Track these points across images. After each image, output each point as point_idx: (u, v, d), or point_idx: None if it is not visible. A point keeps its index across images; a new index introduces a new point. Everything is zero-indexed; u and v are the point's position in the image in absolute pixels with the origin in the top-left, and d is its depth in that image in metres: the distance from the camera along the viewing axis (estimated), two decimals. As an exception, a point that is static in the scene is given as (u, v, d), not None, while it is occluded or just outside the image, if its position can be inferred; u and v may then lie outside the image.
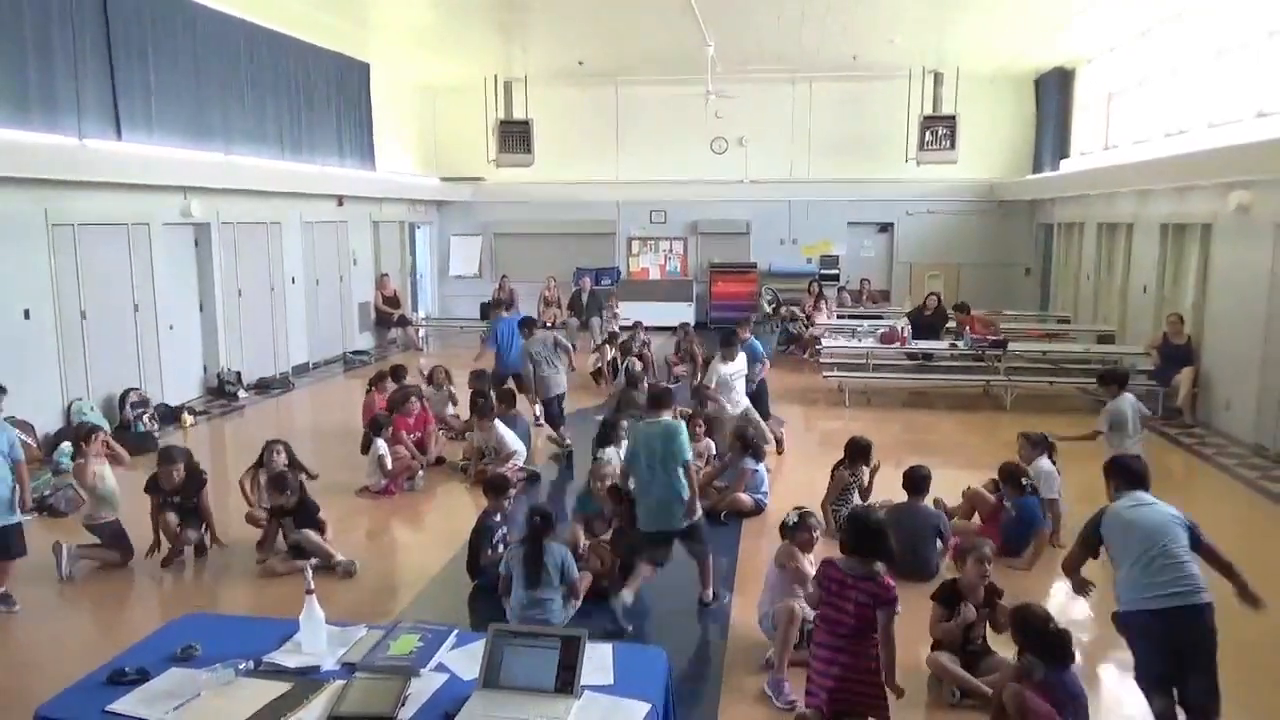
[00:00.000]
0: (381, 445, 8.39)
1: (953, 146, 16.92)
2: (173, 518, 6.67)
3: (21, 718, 3.31)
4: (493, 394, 9.38)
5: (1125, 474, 4.52)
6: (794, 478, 8.05)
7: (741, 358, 9.03)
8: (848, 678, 4.20)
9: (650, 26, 14.24)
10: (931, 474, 6.67)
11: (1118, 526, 4.30)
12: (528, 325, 10.31)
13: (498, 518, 6.33)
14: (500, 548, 6.11)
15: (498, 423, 8.71)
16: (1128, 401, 7.65)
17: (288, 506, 6.66)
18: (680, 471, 5.74)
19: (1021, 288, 18.51)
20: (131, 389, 10.43)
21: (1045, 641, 4.17)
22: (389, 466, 8.32)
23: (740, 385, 8.98)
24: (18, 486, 5.97)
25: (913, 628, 5.10)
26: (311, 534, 6.56)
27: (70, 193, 9.67)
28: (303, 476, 7.10)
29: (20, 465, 6.05)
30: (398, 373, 10.19)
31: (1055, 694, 4.07)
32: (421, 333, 17.56)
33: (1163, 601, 4.05)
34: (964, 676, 4.73)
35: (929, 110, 17.19)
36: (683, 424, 6.08)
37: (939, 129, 16.97)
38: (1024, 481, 6.80)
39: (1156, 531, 4.18)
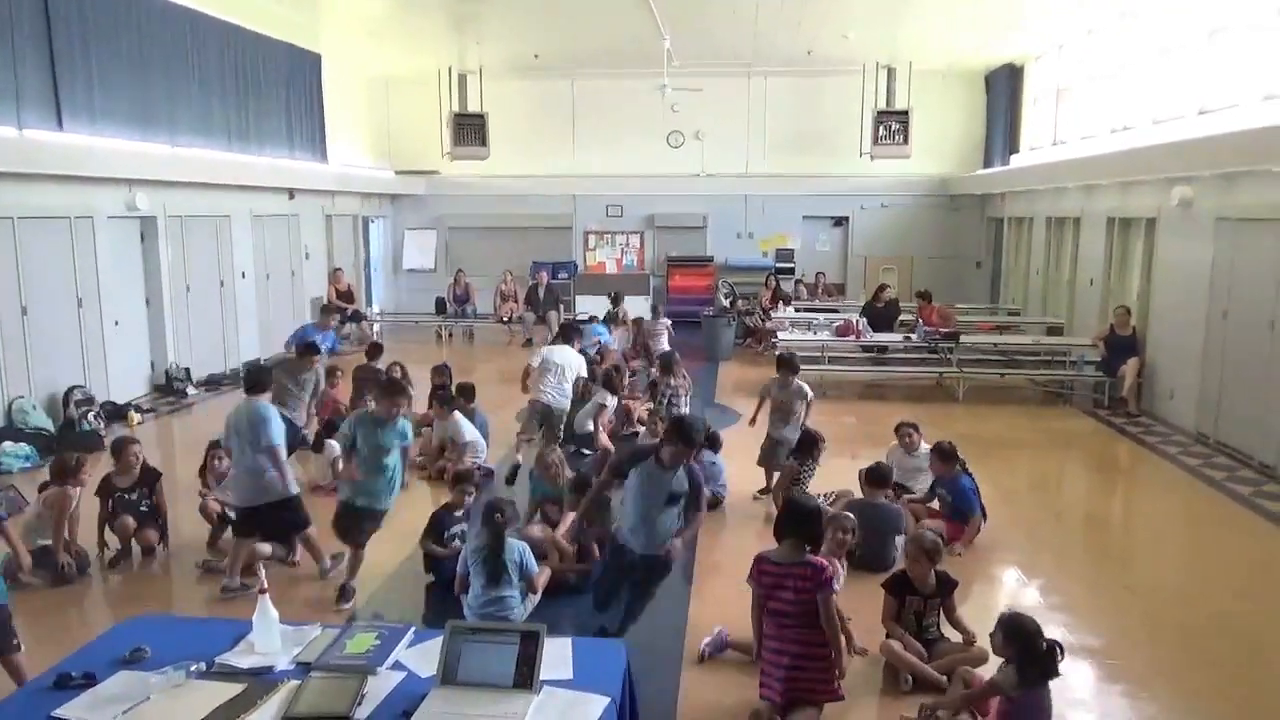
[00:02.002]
0: (335, 447, 8.27)
1: (906, 141, 17.15)
2: (130, 521, 6.53)
3: (-38, 726, 3.21)
4: (452, 387, 9.38)
5: None
6: (751, 470, 8.10)
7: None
8: (798, 666, 4.24)
9: (606, 20, 14.21)
10: (893, 471, 6.80)
11: None
12: (305, 350, 8.86)
13: (459, 513, 6.27)
14: (456, 541, 6.07)
15: (456, 414, 8.69)
16: None
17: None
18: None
19: (973, 281, 18.81)
20: (76, 386, 10.17)
21: (1034, 656, 3.94)
22: (339, 469, 8.19)
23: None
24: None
25: (868, 617, 5.18)
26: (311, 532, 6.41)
27: (9, 185, 9.38)
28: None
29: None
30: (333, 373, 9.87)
31: (1022, 710, 3.98)
32: (376, 328, 17.36)
33: None
34: (917, 665, 4.80)
35: (882, 105, 17.38)
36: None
37: (892, 124, 17.18)
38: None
39: None
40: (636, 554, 5.06)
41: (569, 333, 9.99)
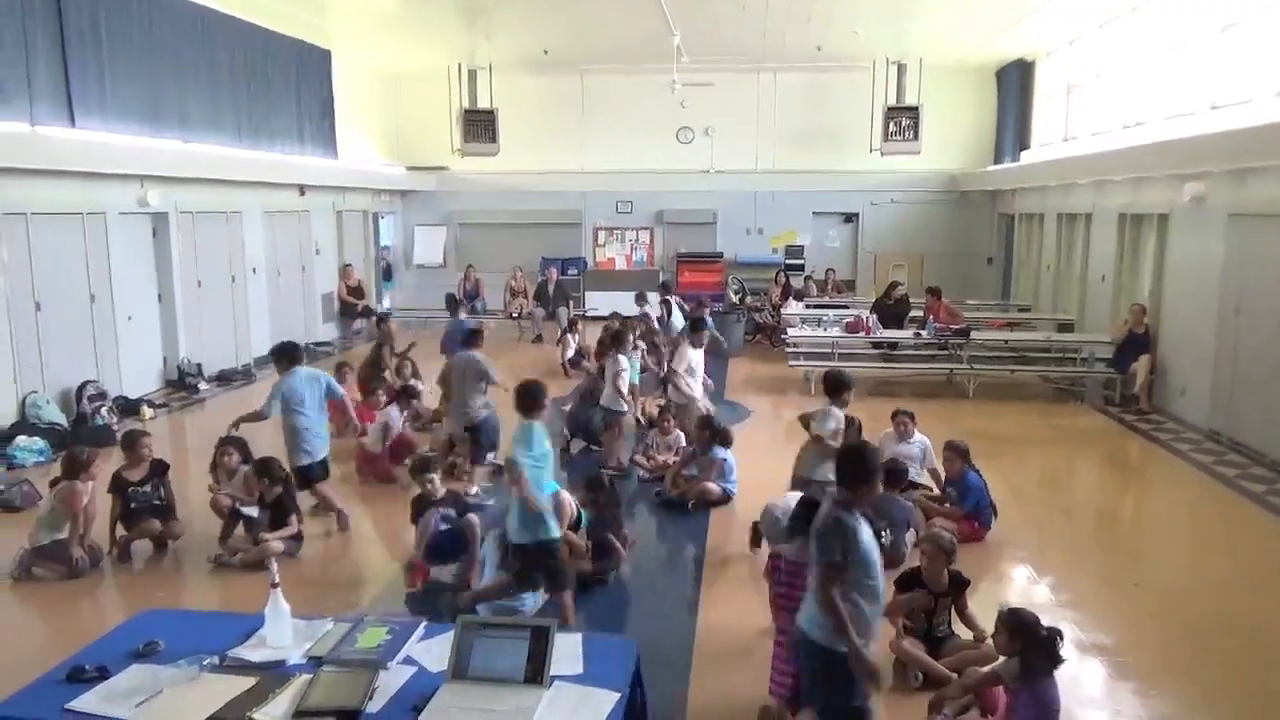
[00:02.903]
0: (394, 413, 8.55)
1: (916, 137, 17.06)
2: (156, 524, 6.59)
3: (-22, 718, 3.24)
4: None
5: None
6: (762, 466, 8.09)
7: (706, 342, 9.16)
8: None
9: (615, 16, 14.19)
10: (908, 469, 6.80)
11: None
12: (470, 340, 8.57)
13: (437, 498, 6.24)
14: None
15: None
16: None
17: (268, 498, 6.56)
18: None
19: (983, 277, 18.74)
20: (89, 381, 10.23)
21: (1037, 646, 3.98)
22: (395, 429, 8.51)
23: (701, 371, 9.07)
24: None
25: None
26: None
27: (22, 181, 9.43)
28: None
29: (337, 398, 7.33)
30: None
31: (1028, 702, 3.99)
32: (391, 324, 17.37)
33: None
34: (927, 661, 4.80)
35: (892, 101, 17.31)
36: None
37: (902, 120, 17.09)
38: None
39: None
40: None
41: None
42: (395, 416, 8.68)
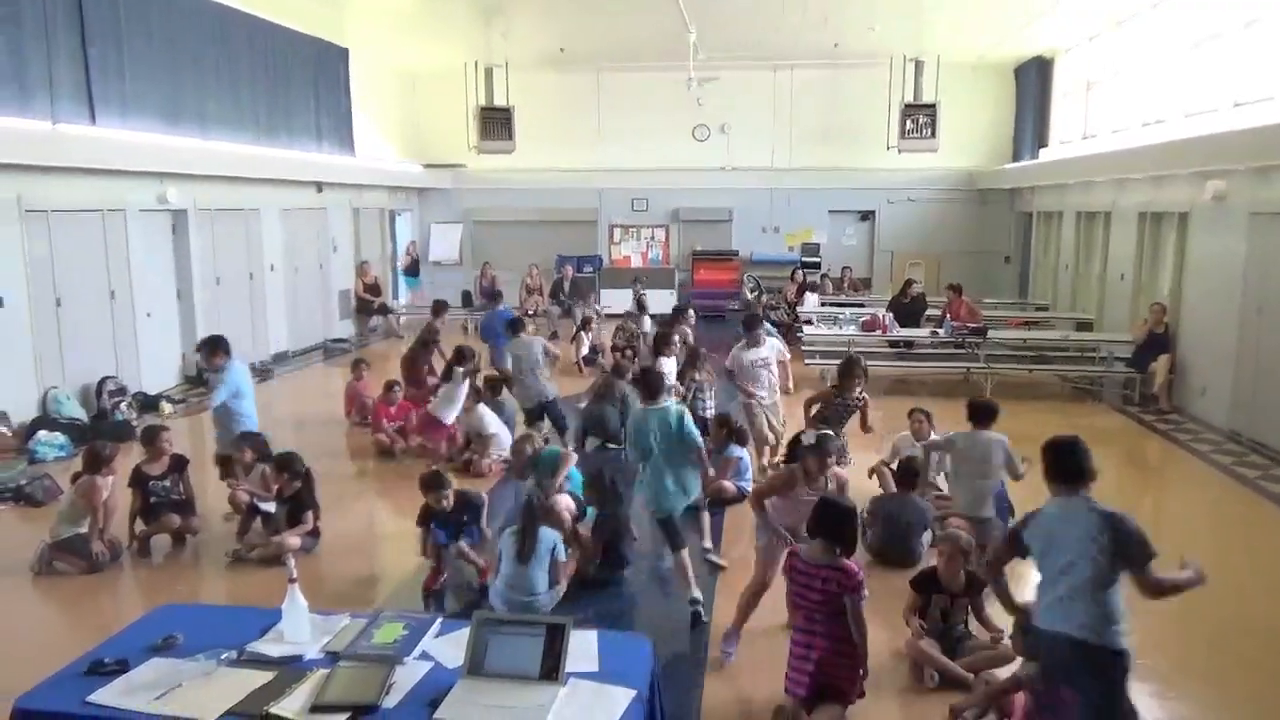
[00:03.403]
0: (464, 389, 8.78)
1: (933, 135, 16.94)
2: (175, 518, 6.65)
3: (0, 711, 3.27)
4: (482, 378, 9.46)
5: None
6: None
7: (770, 343, 8.58)
8: (826, 660, 4.23)
9: (632, 13, 14.18)
10: (925, 469, 6.77)
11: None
12: (515, 326, 9.45)
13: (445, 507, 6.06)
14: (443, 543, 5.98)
15: (481, 406, 8.73)
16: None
17: (287, 493, 6.60)
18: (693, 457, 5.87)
19: (1001, 276, 18.64)
20: (108, 377, 10.32)
21: None
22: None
23: (765, 374, 8.38)
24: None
25: (895, 614, 5.16)
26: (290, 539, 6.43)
27: (43, 178, 9.52)
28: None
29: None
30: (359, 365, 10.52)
31: (1052, 704, 3.94)
32: (402, 320, 17.47)
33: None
34: (943, 662, 4.78)
35: (910, 98, 17.20)
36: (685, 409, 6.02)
37: (920, 117, 16.97)
38: None
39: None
40: None
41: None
42: (463, 392, 8.81)
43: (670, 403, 6.03)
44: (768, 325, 9.59)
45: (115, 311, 10.79)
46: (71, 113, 9.67)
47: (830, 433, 5.22)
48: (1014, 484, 7.12)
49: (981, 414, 6.31)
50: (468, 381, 8.84)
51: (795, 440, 6.06)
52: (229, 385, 7.23)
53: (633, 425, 5.97)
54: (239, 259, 13.26)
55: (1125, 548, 3.60)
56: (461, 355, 8.91)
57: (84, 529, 6.32)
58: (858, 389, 7.12)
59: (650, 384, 5.99)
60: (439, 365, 10.09)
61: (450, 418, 8.79)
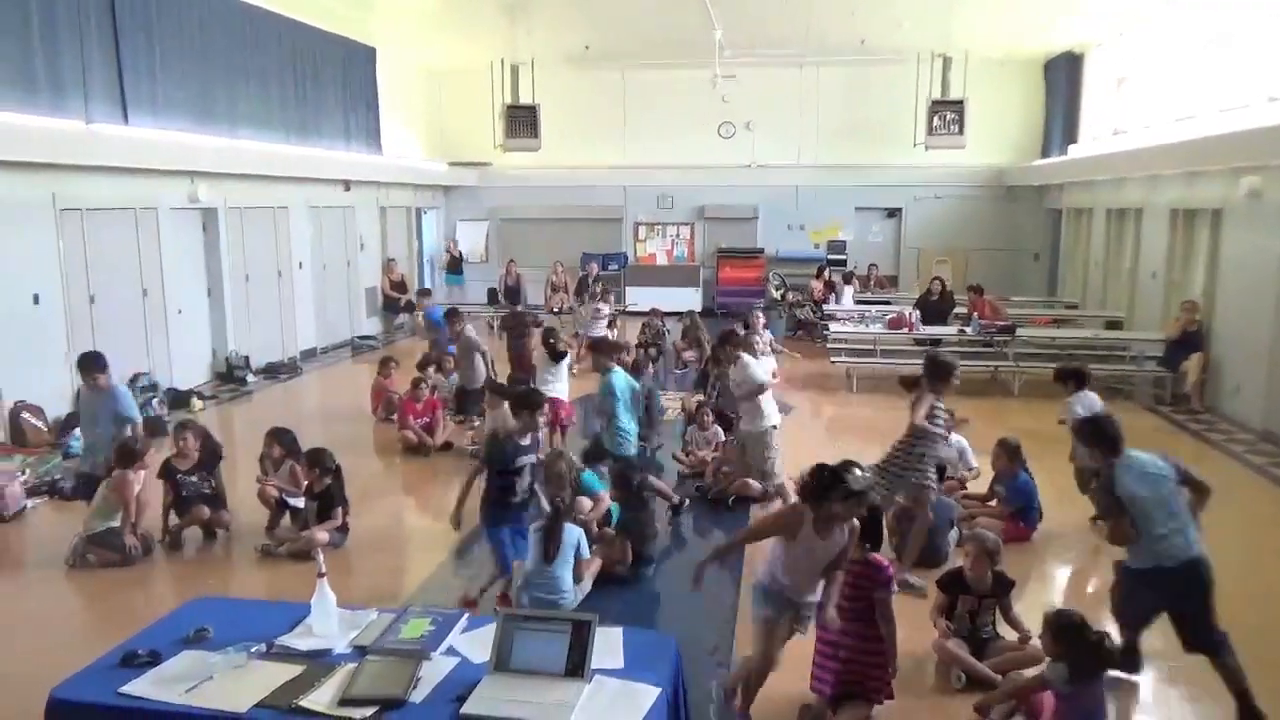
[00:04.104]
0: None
1: (961, 131, 16.79)
2: (204, 510, 6.73)
3: (36, 700, 3.33)
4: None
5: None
6: (801, 462, 8.03)
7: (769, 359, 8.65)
8: (854, 660, 4.21)
9: (657, 10, 14.17)
10: (946, 467, 6.72)
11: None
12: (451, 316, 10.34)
13: (525, 441, 5.80)
14: (524, 473, 5.73)
15: (506, 405, 8.73)
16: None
17: (316, 489, 6.66)
18: None
19: (1030, 273, 18.45)
20: (140, 373, 10.46)
21: (1083, 648, 3.94)
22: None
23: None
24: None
25: (921, 614, 5.12)
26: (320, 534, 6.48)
27: (78, 177, 9.67)
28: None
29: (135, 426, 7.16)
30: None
31: (1076, 706, 3.96)
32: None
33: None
34: (970, 662, 4.74)
35: (937, 95, 17.06)
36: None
37: (947, 114, 16.83)
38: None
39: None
40: None
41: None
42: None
43: None
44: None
45: (147, 309, 10.93)
46: (105, 113, 9.82)
47: (867, 477, 4.03)
48: (1042, 481, 7.08)
49: None
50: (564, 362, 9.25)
51: (828, 472, 4.70)
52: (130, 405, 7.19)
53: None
54: (268, 256, 13.39)
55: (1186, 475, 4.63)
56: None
57: (116, 523, 6.42)
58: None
59: None
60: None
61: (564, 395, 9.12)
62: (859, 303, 15.94)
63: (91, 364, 7.13)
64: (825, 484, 3.87)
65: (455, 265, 19.27)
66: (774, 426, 7.19)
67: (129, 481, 6.47)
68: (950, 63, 17.00)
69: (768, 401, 7.24)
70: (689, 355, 12.77)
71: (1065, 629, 4.00)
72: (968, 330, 12.82)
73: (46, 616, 5.73)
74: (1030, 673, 4.46)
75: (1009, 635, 4.96)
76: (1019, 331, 12.49)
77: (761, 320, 11.84)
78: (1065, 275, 17.17)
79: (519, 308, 14.57)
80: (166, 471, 6.82)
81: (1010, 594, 4.98)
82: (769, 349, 11.49)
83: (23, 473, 7.78)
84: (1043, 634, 4.07)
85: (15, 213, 9.02)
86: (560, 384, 8.98)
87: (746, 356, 7.37)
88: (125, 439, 6.94)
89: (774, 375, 8.20)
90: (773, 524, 4.37)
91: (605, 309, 13.54)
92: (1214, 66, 11.69)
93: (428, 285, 18.29)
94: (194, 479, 6.81)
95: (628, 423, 7.12)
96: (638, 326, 13.78)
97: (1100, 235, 15.07)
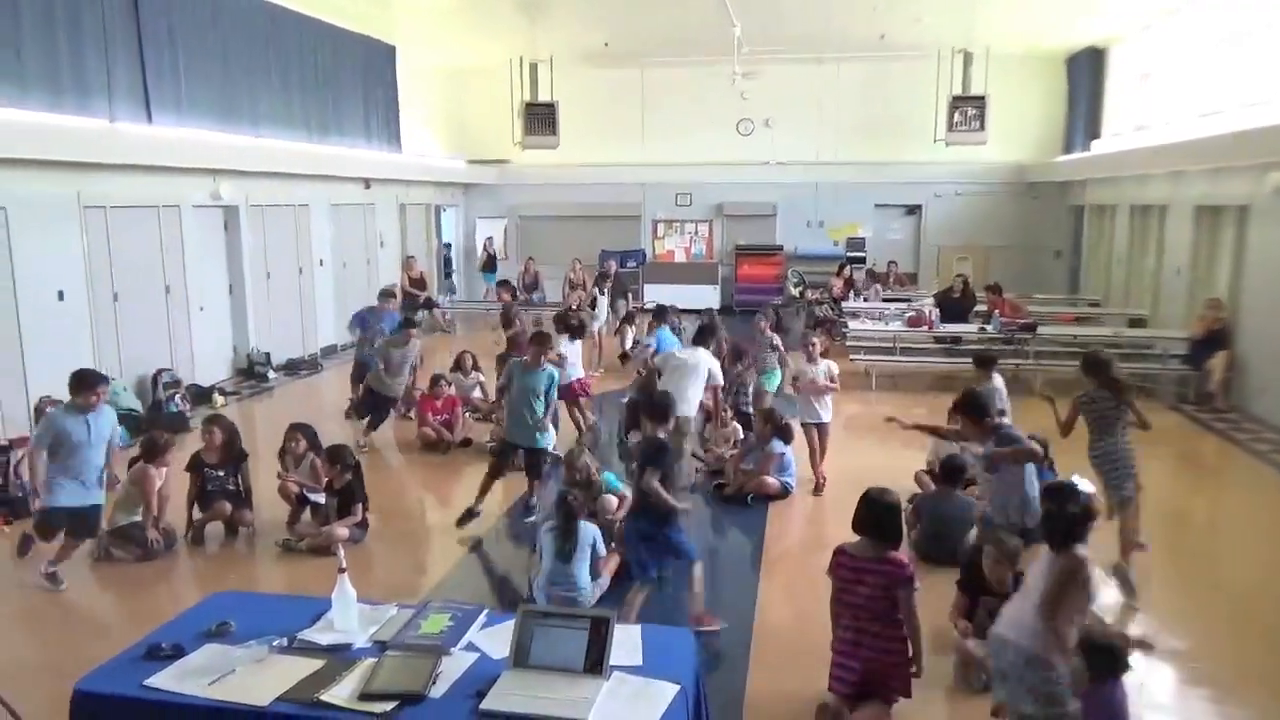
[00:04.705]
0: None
1: (982, 127, 16.65)
2: (226, 506, 6.77)
3: (62, 692, 3.37)
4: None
5: None
6: (831, 456, 8.02)
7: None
8: (875, 660, 4.20)
9: (676, 7, 14.14)
10: (966, 465, 6.66)
11: None
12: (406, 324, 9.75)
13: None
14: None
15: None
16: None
17: (337, 485, 6.70)
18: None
19: (1051, 271, 18.30)
20: (163, 370, 10.55)
21: (1098, 650, 3.88)
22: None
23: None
24: (106, 469, 6.10)
25: (941, 613, 5.09)
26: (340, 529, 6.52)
27: (102, 175, 9.77)
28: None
29: (114, 449, 6.20)
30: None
31: (1096, 709, 3.90)
32: (448, 315, 17.62)
33: None
34: (990, 663, 4.70)
35: (958, 90, 16.93)
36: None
37: (968, 109, 16.69)
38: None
39: None
40: None
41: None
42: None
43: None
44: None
45: (170, 305, 11.04)
46: (129, 112, 9.91)
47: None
48: (1063, 476, 7.00)
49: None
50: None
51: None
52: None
53: None
54: (289, 254, 13.48)
55: None
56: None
57: (139, 517, 6.48)
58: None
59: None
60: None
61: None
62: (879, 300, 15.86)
63: (94, 381, 6.03)
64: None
65: (490, 264, 19.20)
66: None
67: (150, 476, 6.53)
68: (971, 58, 16.87)
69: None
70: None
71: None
72: (988, 328, 12.73)
73: (72, 610, 5.80)
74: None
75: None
76: (1040, 329, 12.38)
77: (765, 322, 9.90)
78: (1087, 272, 17.02)
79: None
80: (194, 464, 6.89)
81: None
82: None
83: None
84: None
85: (41, 210, 9.12)
86: (576, 366, 9.41)
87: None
88: (152, 432, 7.00)
89: (832, 380, 8.07)
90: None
91: (604, 302, 13.56)
92: (1240, 60, 11.54)
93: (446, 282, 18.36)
94: (220, 474, 6.87)
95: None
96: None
97: (1123, 232, 14.93)
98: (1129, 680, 3.91)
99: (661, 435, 5.47)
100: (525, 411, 7.10)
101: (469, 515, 6.89)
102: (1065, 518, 3.73)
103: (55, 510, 5.89)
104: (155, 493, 6.51)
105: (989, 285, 14.23)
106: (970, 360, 11.77)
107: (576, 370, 9.39)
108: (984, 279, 16.24)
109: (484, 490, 7.00)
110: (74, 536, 5.99)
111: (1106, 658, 3.86)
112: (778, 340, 9.46)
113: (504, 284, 10.86)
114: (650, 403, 5.99)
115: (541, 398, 7.13)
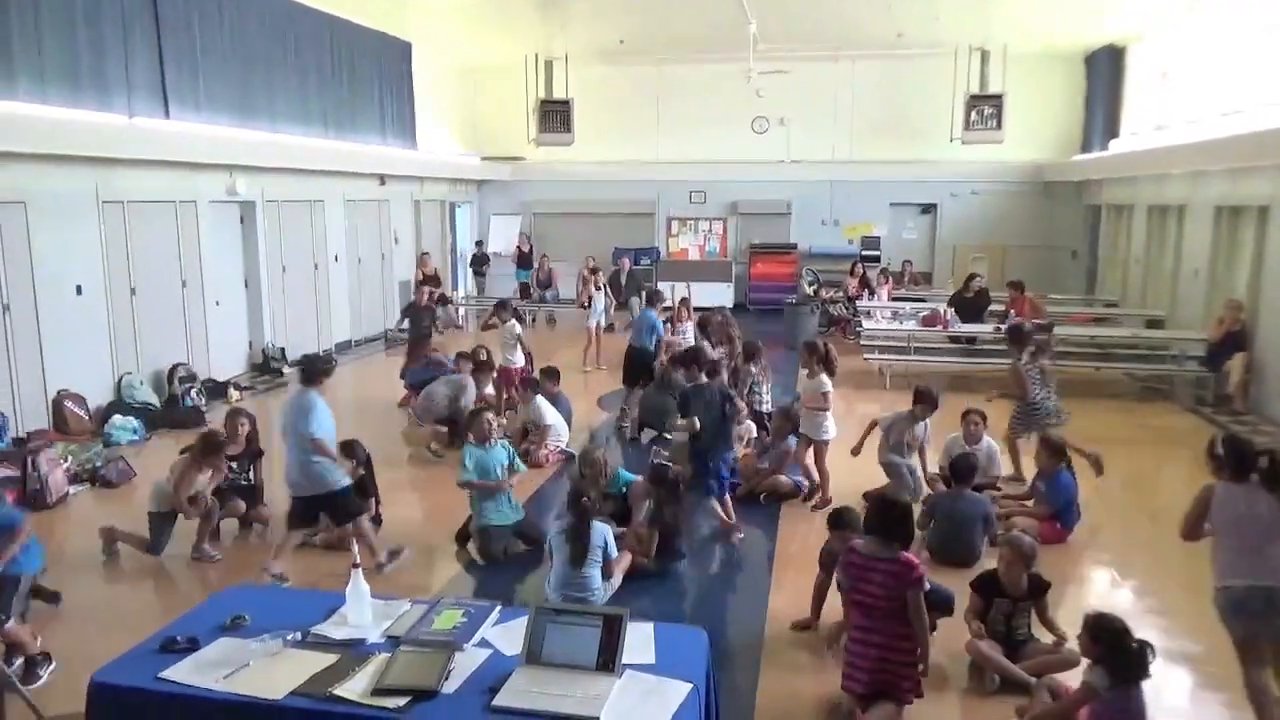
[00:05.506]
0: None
1: (999, 126, 16.60)
2: (241, 504, 6.77)
3: (79, 684, 3.40)
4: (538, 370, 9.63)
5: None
6: (832, 461, 7.98)
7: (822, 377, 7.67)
8: (885, 659, 4.19)
9: (691, 4, 14.11)
10: (978, 464, 6.63)
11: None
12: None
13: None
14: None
15: (538, 398, 8.80)
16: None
17: (351, 478, 6.67)
18: None
19: (1068, 271, 18.19)
20: (179, 364, 10.63)
21: (1121, 655, 3.84)
22: None
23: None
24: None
25: (955, 614, 5.07)
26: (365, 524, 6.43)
27: (120, 170, 9.84)
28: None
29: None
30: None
31: (1116, 711, 3.88)
32: (461, 311, 17.67)
33: None
34: (1004, 664, 4.68)
35: (975, 89, 16.86)
36: None
37: (985, 108, 16.64)
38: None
39: None
40: None
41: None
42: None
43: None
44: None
45: (186, 300, 11.10)
46: (147, 107, 9.98)
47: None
48: (1079, 481, 6.97)
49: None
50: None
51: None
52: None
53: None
54: (304, 249, 13.54)
55: None
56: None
57: (165, 509, 6.39)
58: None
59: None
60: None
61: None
62: (893, 299, 15.79)
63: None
64: None
65: (525, 260, 19.15)
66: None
67: (187, 479, 6.32)
68: (988, 56, 16.80)
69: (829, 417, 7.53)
70: (719, 351, 12.68)
71: (1104, 630, 3.91)
72: (1004, 328, 12.64)
73: (88, 603, 5.84)
74: (1069, 681, 4.37)
75: (1044, 638, 4.90)
76: (1056, 330, 12.29)
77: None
78: (1104, 273, 16.90)
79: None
80: None
81: (1046, 597, 4.91)
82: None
83: (65, 460, 7.93)
84: (1081, 635, 4.00)
85: (60, 205, 9.19)
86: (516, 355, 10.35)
87: (824, 377, 7.56)
88: (211, 429, 6.98)
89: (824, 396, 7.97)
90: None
91: (602, 302, 13.52)
92: (1261, 59, 11.43)
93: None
94: (235, 467, 6.88)
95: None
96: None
97: (1141, 232, 14.82)
98: (1147, 686, 3.87)
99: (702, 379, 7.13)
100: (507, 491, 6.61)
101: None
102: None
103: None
104: (186, 497, 6.30)
105: (1011, 282, 14.12)
106: (984, 359, 11.77)
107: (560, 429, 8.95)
108: (1000, 278, 16.17)
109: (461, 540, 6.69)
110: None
111: (1134, 661, 3.82)
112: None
113: (502, 304, 10.61)
114: (683, 356, 7.63)
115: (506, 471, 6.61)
